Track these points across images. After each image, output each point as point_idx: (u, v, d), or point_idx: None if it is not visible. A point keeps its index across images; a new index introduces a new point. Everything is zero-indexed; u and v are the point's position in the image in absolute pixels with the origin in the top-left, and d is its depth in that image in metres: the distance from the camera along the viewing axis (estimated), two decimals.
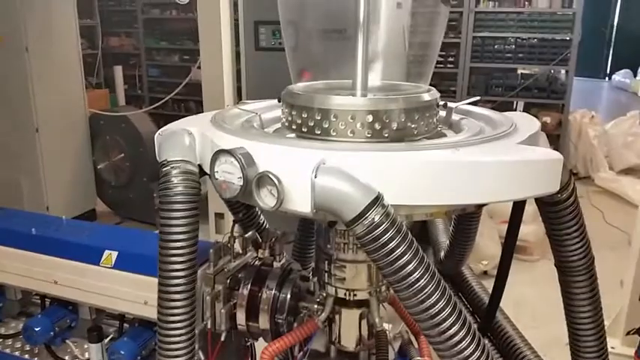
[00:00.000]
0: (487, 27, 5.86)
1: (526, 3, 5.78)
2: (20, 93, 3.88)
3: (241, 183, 1.18)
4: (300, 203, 1.14)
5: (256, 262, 1.66)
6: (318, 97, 1.45)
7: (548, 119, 5.91)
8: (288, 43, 1.81)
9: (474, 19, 5.85)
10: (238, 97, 3.29)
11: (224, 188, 1.22)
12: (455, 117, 1.71)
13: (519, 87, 5.91)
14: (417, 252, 1.12)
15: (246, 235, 1.68)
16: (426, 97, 1.49)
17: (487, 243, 3.78)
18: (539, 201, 1.40)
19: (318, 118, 1.42)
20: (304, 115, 1.45)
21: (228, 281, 1.60)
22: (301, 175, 1.12)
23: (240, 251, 1.73)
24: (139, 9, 7.33)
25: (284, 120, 1.56)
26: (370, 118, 1.37)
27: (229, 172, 1.20)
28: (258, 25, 2.97)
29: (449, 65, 6.07)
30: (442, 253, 2.03)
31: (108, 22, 7.49)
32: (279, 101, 1.52)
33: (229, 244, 1.72)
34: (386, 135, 1.38)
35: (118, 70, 7.32)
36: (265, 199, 1.17)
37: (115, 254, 2.19)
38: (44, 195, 4.09)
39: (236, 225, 1.68)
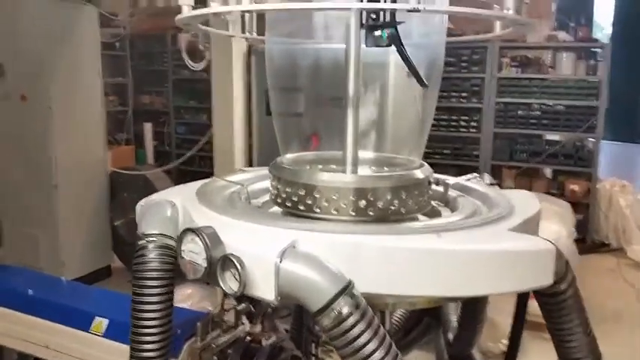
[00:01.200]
0: (510, 93, 5.82)
1: (550, 69, 5.74)
2: (41, 150, 3.99)
3: (205, 264, 1.12)
4: (264, 289, 1.07)
5: (247, 338, 1.58)
6: (301, 172, 1.40)
7: (576, 187, 5.74)
8: (278, 109, 1.77)
9: (497, 85, 5.83)
10: (249, 160, 3.30)
11: (189, 269, 1.16)
12: (452, 193, 1.63)
13: (545, 153, 5.79)
14: (389, 349, 1.03)
15: (239, 307, 1.59)
16: (418, 174, 1.43)
17: (507, 321, 3.56)
18: (537, 291, 1.29)
19: (302, 193, 1.37)
20: (288, 190, 1.40)
21: (216, 358, 1.52)
22: (266, 258, 1.05)
23: (233, 323, 1.65)
24: (169, 69, 7.59)
25: (271, 192, 1.52)
26: (354, 196, 1.31)
27: (195, 252, 1.14)
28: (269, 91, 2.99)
29: (472, 130, 6.01)
30: (451, 335, 1.90)
31: (140, 80, 7.77)
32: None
33: (220, 317, 1.64)
34: (371, 213, 1.32)
35: (148, 127, 7.54)
36: (230, 283, 1.10)
37: (105, 322, 2.13)
38: (60, 250, 4.12)
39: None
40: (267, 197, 1.58)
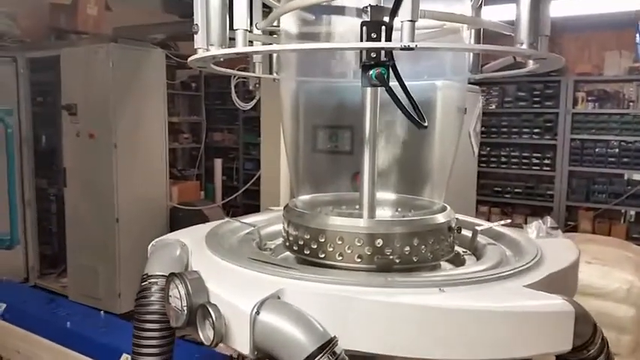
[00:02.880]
0: (586, 129, 5.46)
1: (630, 104, 5.33)
2: (106, 184, 4.19)
3: (186, 312, 1.07)
4: (240, 341, 1.00)
5: None
6: (307, 215, 1.34)
7: None
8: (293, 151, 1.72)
9: (572, 121, 5.49)
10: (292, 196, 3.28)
11: (172, 315, 1.12)
12: (483, 240, 1.50)
13: (626, 194, 5.33)
14: None
15: None
16: (436, 219, 1.32)
17: None
18: (560, 358, 1.13)
19: (307, 237, 1.31)
20: (295, 233, 1.34)
21: None
22: (241, 308, 0.99)
23: None
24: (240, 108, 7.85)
25: (282, 235, 1.46)
26: (360, 242, 1.23)
27: (177, 298, 1.10)
28: (317, 129, 2.99)
29: (545, 168, 5.67)
30: None
31: (213, 118, 8.08)
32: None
33: None
34: (378, 261, 1.23)
35: (218, 163, 7.77)
36: (207, 332, 1.05)
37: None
38: (117, 282, 4.26)
39: None
40: (280, 241, 1.53)
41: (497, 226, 1.53)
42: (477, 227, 1.51)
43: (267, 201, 3.28)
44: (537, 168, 5.73)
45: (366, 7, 1.13)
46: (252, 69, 1.72)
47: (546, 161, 5.68)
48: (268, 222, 1.68)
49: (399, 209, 1.53)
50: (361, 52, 1.10)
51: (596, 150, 5.45)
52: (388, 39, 1.05)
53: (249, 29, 1.17)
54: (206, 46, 1.31)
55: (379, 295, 1.02)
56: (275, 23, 1.55)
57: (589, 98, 5.47)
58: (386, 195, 1.56)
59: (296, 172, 1.73)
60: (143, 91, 4.39)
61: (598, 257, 3.16)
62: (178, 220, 4.63)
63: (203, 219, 4.42)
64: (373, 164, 1.41)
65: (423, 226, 1.28)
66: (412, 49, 0.99)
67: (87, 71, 4.25)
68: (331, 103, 1.68)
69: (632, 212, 5.52)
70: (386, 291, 1.05)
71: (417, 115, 1.07)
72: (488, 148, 5.75)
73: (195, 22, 1.37)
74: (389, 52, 1.07)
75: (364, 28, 1.09)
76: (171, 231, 4.58)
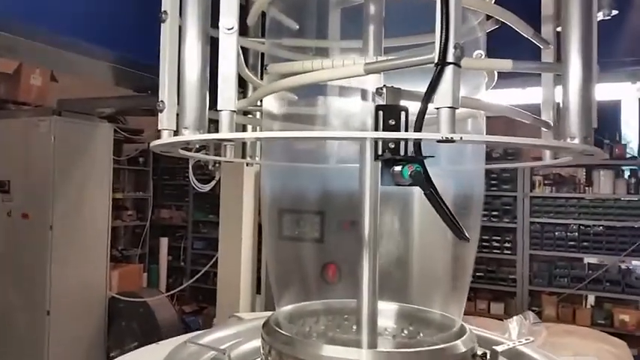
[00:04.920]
0: (545, 212, 5.45)
1: (587, 188, 5.40)
2: (37, 271, 3.72)
3: None
4: None
5: None
6: (295, 343, 1.07)
7: (626, 317, 5.13)
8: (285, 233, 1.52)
9: (530, 204, 5.48)
10: (257, 288, 2.97)
11: None
12: None
13: (588, 279, 5.27)
14: None
15: None
16: (457, 347, 1.07)
17: None
18: None
19: None
20: None
21: None
22: None
23: None
24: (190, 184, 7.51)
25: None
26: None
27: None
28: (283, 213, 2.74)
29: (506, 252, 5.58)
30: None
31: (161, 195, 7.68)
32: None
33: None
34: None
35: (164, 242, 7.29)
36: None
37: None
38: None
39: None
40: None
41: (520, 345, 1.29)
42: (495, 348, 1.26)
43: (225, 289, 2.95)
44: (498, 251, 5.63)
45: (381, 88, 0.92)
46: (222, 152, 1.48)
47: (507, 244, 5.61)
48: (237, 337, 1.39)
49: (405, 328, 1.27)
50: (376, 142, 0.88)
51: (556, 233, 5.42)
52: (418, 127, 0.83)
53: (235, 110, 0.92)
54: (174, 127, 1.06)
55: None
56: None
57: (546, 182, 5.51)
58: (387, 305, 1.31)
59: (277, 272, 1.47)
60: (87, 167, 4.03)
61: (580, 352, 3.06)
62: (119, 312, 4.14)
63: (146, 311, 3.97)
64: (374, 273, 1.17)
65: (444, 358, 1.03)
66: (453, 141, 0.77)
67: (26, 145, 3.88)
68: (320, 190, 1.47)
69: (592, 296, 5.45)
70: None
71: (456, 224, 0.83)
72: None
73: (160, 99, 1.12)
74: (417, 144, 0.84)
75: (380, 113, 0.87)
76: (109, 326, 4.09)
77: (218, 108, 0.90)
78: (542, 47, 1.27)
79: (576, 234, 5.36)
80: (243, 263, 2.92)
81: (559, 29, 1.28)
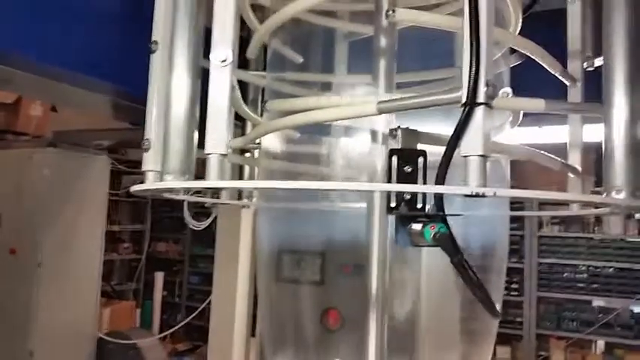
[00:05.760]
0: (554, 252, 5.29)
1: (595, 229, 5.24)
2: (21, 311, 3.52)
3: None
4: None
5: None
6: None
7: None
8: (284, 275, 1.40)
9: (538, 244, 5.32)
10: (252, 331, 2.80)
11: None
12: None
13: (598, 323, 5.07)
14: None
15: None
16: None
17: None
18: None
19: None
20: None
21: None
22: None
23: None
24: (193, 213, 7.37)
25: None
26: None
27: None
28: (282, 254, 2.61)
29: (512, 293, 5.39)
30: None
31: (158, 227, 7.53)
32: None
33: None
34: None
35: (159, 276, 7.08)
36: None
37: None
38: None
39: None
40: None
41: None
42: None
43: (218, 331, 2.79)
44: (504, 292, 5.44)
45: (395, 129, 0.80)
46: (218, 194, 1.36)
47: (514, 285, 5.42)
48: None
49: None
50: (389, 193, 0.75)
51: (565, 275, 5.25)
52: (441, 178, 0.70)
53: (226, 153, 0.80)
54: (159, 167, 0.94)
55: None
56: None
57: (553, 221, 5.37)
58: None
59: (271, 321, 1.35)
60: (80, 201, 3.88)
61: None
62: (108, 353, 3.93)
63: (136, 354, 3.78)
64: (382, 335, 1.03)
65: None
66: (484, 196, 0.64)
67: (18, 177, 3.74)
68: (321, 231, 1.37)
69: (601, 342, 5.23)
70: None
71: (487, 297, 0.69)
72: None
73: (145, 137, 1.00)
74: (439, 197, 0.71)
75: (394, 158, 0.75)
76: None
77: (205, 151, 0.77)
78: (568, 84, 1.16)
79: (585, 275, 5.19)
80: (238, 305, 2.76)
81: (585, 65, 1.17)
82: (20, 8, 2.05)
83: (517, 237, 5.43)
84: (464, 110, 0.66)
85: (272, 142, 1.25)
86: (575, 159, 1.12)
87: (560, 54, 1.12)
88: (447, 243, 0.63)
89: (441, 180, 0.67)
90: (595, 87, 1.24)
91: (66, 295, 3.74)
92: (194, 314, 4.40)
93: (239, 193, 1.60)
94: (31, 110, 4.89)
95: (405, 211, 0.72)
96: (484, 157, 0.66)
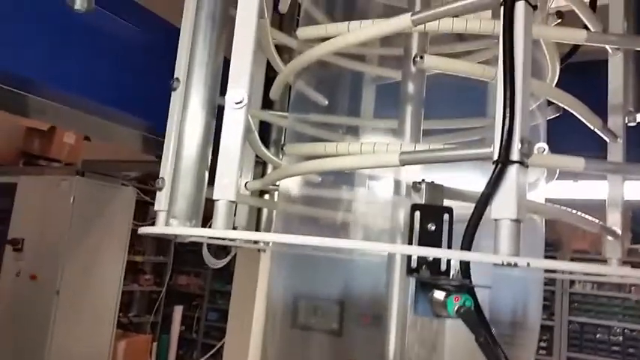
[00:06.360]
0: (586, 311, 5.04)
1: (632, 288, 4.99)
2: (38, 336, 3.49)
3: None
4: None
5: None
6: None
7: None
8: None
9: (569, 301, 5.08)
10: None
11: None
12: None
13: None
14: None
15: None
16: None
17: None
18: None
19: None
20: None
21: None
22: None
23: None
24: (212, 250, 7.33)
25: None
26: None
27: None
28: (298, 300, 2.52)
29: (541, 352, 5.13)
30: None
31: (180, 260, 7.49)
32: None
33: None
34: None
35: (178, 310, 7.00)
36: None
37: None
38: None
39: None
40: None
41: None
42: None
43: None
44: None
45: (419, 182, 0.74)
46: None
47: (542, 344, 5.16)
48: None
49: None
50: (409, 258, 0.68)
51: (597, 336, 4.97)
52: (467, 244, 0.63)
53: (234, 200, 0.74)
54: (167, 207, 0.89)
55: None
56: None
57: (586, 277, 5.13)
58: None
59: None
60: (104, 230, 3.89)
61: None
62: None
63: None
64: None
65: None
66: (516, 265, 0.57)
67: (44, 204, 3.79)
68: (339, 279, 1.30)
69: None
70: None
71: None
72: None
73: (160, 175, 0.95)
74: (465, 263, 0.64)
75: (417, 213, 0.68)
76: None
77: (214, 197, 0.72)
78: (609, 141, 1.08)
79: (620, 338, 4.90)
80: (252, 346, 2.67)
81: (627, 120, 1.10)
82: (55, 44, 2.09)
83: (547, 293, 5.20)
84: (495, 168, 0.60)
85: (291, 184, 1.20)
86: (614, 220, 1.03)
87: (596, 106, 1.05)
88: (473, 320, 0.55)
89: (467, 245, 0.60)
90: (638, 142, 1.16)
91: (82, 326, 3.70)
92: (210, 353, 4.30)
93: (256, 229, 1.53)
94: (64, 138, 4.99)
95: (427, 275, 0.65)
96: (518, 221, 0.58)
